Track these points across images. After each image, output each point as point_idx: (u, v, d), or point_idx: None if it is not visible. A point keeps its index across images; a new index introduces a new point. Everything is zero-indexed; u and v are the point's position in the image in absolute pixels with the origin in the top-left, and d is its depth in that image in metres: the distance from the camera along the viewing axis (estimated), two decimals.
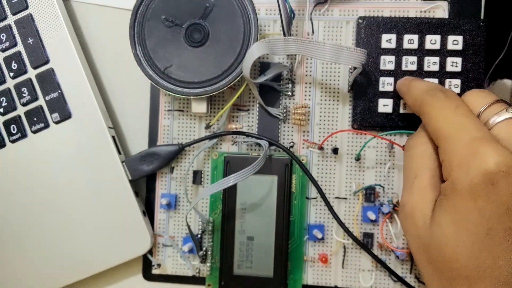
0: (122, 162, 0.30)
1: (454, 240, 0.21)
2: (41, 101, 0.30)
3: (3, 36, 0.31)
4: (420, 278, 0.30)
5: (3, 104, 0.31)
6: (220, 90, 0.28)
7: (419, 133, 0.25)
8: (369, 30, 0.29)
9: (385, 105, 0.29)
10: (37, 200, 0.31)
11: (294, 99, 0.31)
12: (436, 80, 0.29)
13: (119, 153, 0.31)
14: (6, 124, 0.31)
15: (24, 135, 0.31)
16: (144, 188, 0.32)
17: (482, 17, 0.29)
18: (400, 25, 0.29)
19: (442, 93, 0.24)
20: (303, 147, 0.31)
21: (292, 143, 0.30)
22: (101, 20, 0.32)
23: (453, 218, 0.21)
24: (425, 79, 0.29)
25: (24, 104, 0.30)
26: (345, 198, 0.30)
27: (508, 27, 0.30)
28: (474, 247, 0.20)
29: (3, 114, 0.31)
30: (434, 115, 0.23)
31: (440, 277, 0.22)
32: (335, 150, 0.30)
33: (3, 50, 0.31)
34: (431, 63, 0.29)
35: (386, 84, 0.29)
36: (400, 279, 0.29)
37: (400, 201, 0.25)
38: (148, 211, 0.32)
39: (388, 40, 0.29)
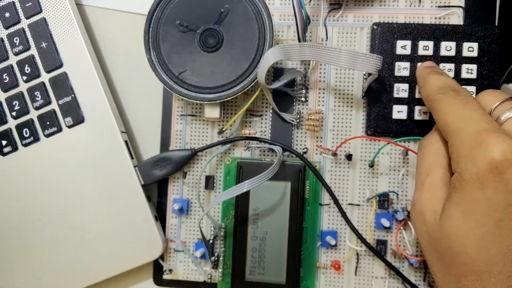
0: (135, 166, 0.30)
1: (463, 232, 0.20)
2: (54, 105, 0.30)
3: (16, 39, 0.31)
4: (434, 286, 0.29)
5: (16, 107, 0.31)
6: (234, 96, 0.28)
7: (432, 133, 0.25)
8: (384, 36, 0.29)
9: (399, 112, 0.29)
10: (48, 204, 0.31)
11: (307, 104, 0.30)
12: None
13: (132, 157, 0.30)
14: (19, 128, 0.31)
15: (36, 139, 0.31)
16: (156, 193, 0.32)
17: (496, 24, 0.29)
18: (415, 32, 0.29)
19: (454, 92, 0.24)
20: (316, 153, 0.30)
21: (305, 149, 0.30)
22: (115, 24, 0.32)
23: (462, 210, 0.21)
24: None
25: (37, 108, 0.30)
26: (359, 205, 0.30)
27: None
28: (484, 240, 0.20)
29: (16, 117, 0.31)
30: (444, 110, 0.23)
31: (450, 274, 0.21)
32: (349, 157, 0.30)
33: (17, 54, 0.31)
34: (446, 70, 0.29)
35: (400, 90, 0.29)
36: (413, 287, 0.29)
37: (412, 200, 0.25)
38: (160, 216, 0.31)
39: (403, 47, 0.29)
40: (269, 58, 0.27)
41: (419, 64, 0.28)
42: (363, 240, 0.29)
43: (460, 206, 0.21)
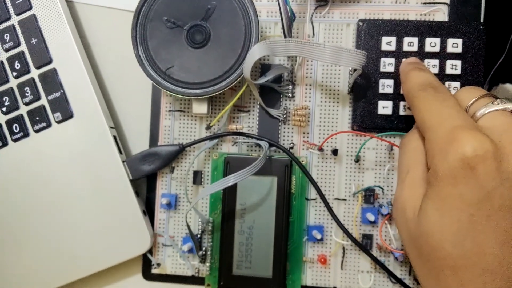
0: (123, 161, 0.31)
1: (439, 228, 0.21)
2: (43, 101, 0.31)
3: (6, 36, 0.31)
4: None
5: (6, 103, 0.31)
6: (221, 91, 0.28)
7: (412, 130, 0.26)
8: (370, 32, 0.29)
9: (384, 107, 0.29)
10: (37, 198, 0.31)
11: (294, 100, 0.31)
12: None
13: (120, 152, 0.31)
14: (9, 123, 0.31)
15: (26, 134, 0.31)
16: (144, 188, 0.32)
17: (482, 21, 0.30)
18: (400, 28, 0.29)
19: (432, 89, 0.24)
20: (303, 148, 0.31)
21: (292, 144, 0.31)
22: (104, 21, 0.33)
23: (437, 206, 0.21)
24: None
25: (26, 104, 0.31)
26: (345, 199, 0.30)
27: (508, 30, 0.30)
28: (459, 234, 0.20)
29: (6, 113, 0.31)
30: (422, 108, 0.24)
31: (429, 269, 0.22)
32: (335, 152, 0.30)
33: (7, 50, 0.31)
34: (431, 66, 0.29)
35: (386, 86, 0.29)
36: (399, 281, 0.29)
37: (394, 197, 0.25)
38: (148, 210, 0.32)
39: (388, 43, 0.29)
40: (255, 53, 0.27)
41: (403, 60, 0.29)
42: (349, 235, 0.29)
43: (435, 202, 0.21)
